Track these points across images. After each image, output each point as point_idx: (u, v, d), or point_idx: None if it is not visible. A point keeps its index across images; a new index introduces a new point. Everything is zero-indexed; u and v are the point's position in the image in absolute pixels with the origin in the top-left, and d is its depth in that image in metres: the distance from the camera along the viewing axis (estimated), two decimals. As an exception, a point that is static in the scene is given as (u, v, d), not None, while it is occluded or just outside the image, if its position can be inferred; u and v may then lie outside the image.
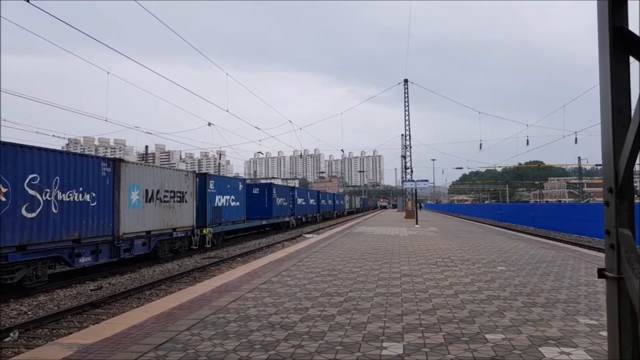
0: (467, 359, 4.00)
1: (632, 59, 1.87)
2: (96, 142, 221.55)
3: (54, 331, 8.39)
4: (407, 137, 43.90)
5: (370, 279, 8.10)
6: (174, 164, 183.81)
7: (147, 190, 16.46)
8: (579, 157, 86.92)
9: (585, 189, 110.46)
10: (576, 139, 41.11)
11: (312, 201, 47.19)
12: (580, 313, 5.60)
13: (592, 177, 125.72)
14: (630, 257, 1.73)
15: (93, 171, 13.74)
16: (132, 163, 16.72)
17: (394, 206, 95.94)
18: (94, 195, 13.62)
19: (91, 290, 12.09)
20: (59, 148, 17.41)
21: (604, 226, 1.89)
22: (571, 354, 4.12)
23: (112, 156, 18.22)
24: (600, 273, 1.92)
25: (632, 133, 1.73)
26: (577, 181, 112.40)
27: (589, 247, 17.21)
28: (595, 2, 1.94)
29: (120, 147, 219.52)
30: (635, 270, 1.70)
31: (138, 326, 5.21)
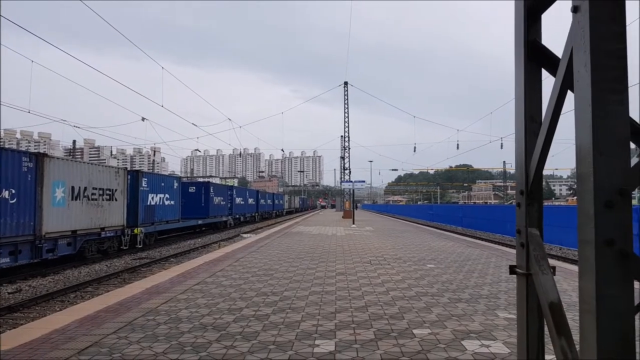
0: (395, 354, 4.14)
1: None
2: (18, 135, 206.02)
3: (-37, 339, 7.71)
4: (346, 139, 44.66)
5: (306, 278, 8.16)
6: (104, 160, 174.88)
7: (73, 188, 15.55)
8: (504, 162, 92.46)
9: (509, 191, 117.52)
10: (502, 144, 43.71)
11: (250, 201, 46.68)
12: (500, 308, 5.98)
13: (515, 180, 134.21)
14: (537, 255, 1.88)
15: (13, 166, 12.79)
16: (57, 158, 15.72)
17: (333, 206, 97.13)
18: (13, 191, 12.68)
19: (9, 293, 11.24)
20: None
21: (516, 226, 2.03)
22: (490, 346, 4.39)
23: (36, 150, 17.03)
24: (512, 269, 2.07)
25: (541, 140, 1.88)
26: (502, 184, 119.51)
27: (511, 246, 18.32)
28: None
29: (45, 141, 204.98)
30: (542, 267, 1.84)
31: (60, 330, 4.92)
